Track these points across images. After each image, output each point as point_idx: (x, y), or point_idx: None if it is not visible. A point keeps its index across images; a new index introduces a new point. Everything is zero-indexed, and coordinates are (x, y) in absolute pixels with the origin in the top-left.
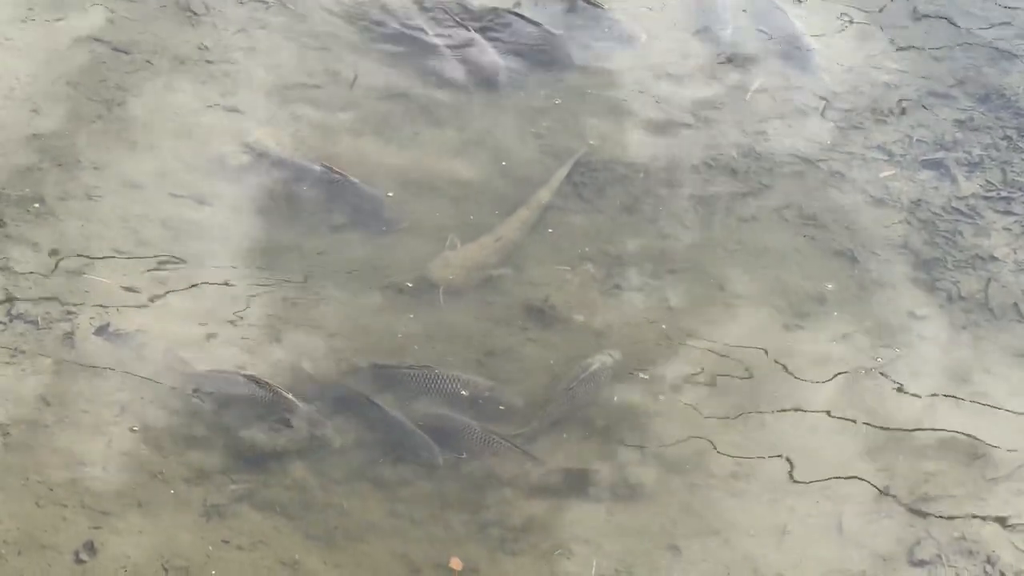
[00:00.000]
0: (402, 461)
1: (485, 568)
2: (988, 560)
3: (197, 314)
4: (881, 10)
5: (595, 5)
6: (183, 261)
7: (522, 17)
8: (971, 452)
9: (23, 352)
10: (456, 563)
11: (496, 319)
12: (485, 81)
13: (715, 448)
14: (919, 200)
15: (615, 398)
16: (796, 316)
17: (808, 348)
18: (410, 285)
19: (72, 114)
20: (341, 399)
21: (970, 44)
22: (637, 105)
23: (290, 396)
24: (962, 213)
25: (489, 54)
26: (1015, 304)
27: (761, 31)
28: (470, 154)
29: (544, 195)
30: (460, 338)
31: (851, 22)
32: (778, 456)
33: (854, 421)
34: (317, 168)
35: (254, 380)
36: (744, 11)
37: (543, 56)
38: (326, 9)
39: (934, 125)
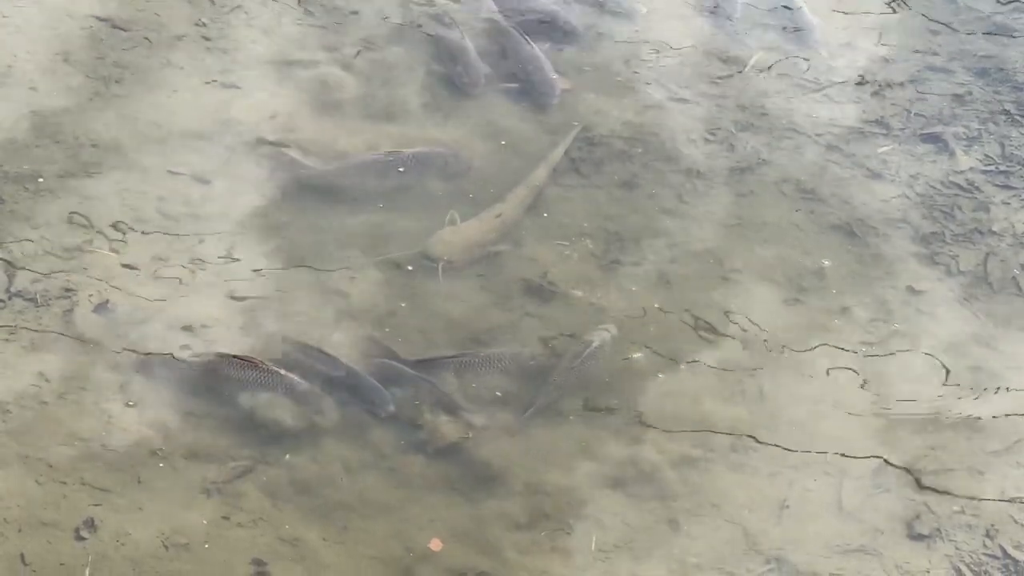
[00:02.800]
0: (357, 410)
1: (486, 547)
2: (987, 534)
3: (194, 291)
4: None
5: None
6: (181, 238)
7: None
8: (971, 426)
9: (22, 329)
10: (436, 544)
11: (495, 295)
12: (537, 98)
13: (714, 423)
14: (917, 174)
15: (615, 374)
16: (795, 291)
17: (807, 322)
18: (410, 268)
19: (70, 91)
20: (303, 358)
21: (968, 18)
22: (636, 80)
23: (285, 372)
24: (960, 187)
25: (547, 73)
26: (1014, 278)
27: (765, 6)
28: (469, 130)
29: (543, 172)
30: (459, 314)
31: None
32: (777, 430)
33: (854, 394)
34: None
35: (248, 361)
36: None
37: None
38: None
39: (932, 99)
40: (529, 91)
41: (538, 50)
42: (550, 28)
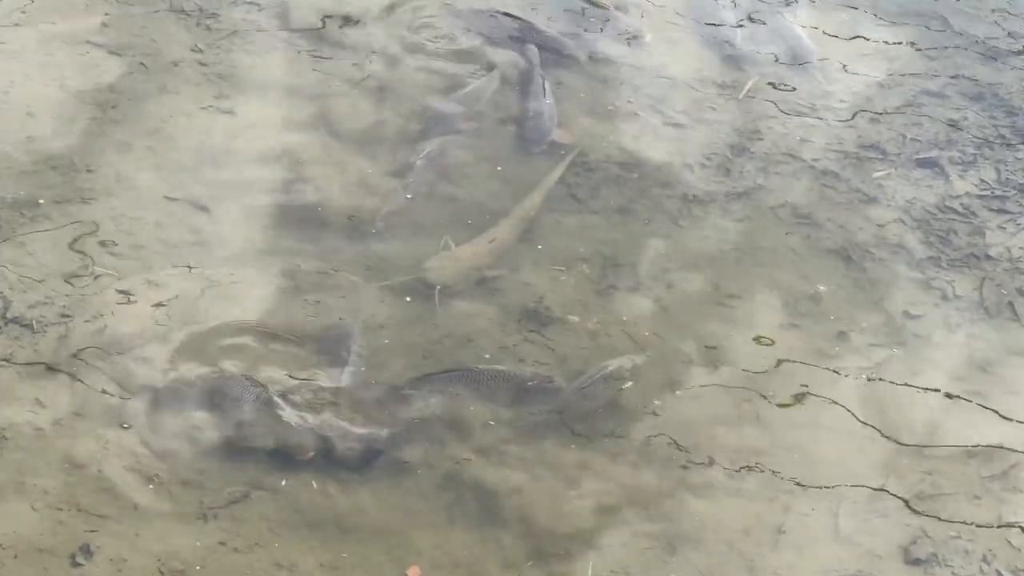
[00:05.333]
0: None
1: (481, 573)
2: (984, 559)
3: (191, 317)
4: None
5: (598, 6)
6: (179, 264)
7: (511, 15)
8: (967, 450)
9: (18, 355)
10: (415, 572)
11: (491, 320)
12: (525, 144)
13: (711, 447)
14: (913, 199)
15: (610, 401)
16: (791, 315)
17: (804, 348)
18: (408, 300)
19: (66, 117)
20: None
21: (963, 43)
22: (632, 105)
23: (280, 401)
24: (956, 212)
25: (545, 120)
26: (1010, 303)
27: (762, 32)
28: (466, 155)
29: (538, 197)
30: (456, 339)
31: (848, 24)
32: (774, 455)
33: (850, 420)
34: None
35: (251, 381)
36: (743, 10)
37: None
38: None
39: (928, 124)
40: (521, 133)
41: (548, 97)
42: (552, 53)
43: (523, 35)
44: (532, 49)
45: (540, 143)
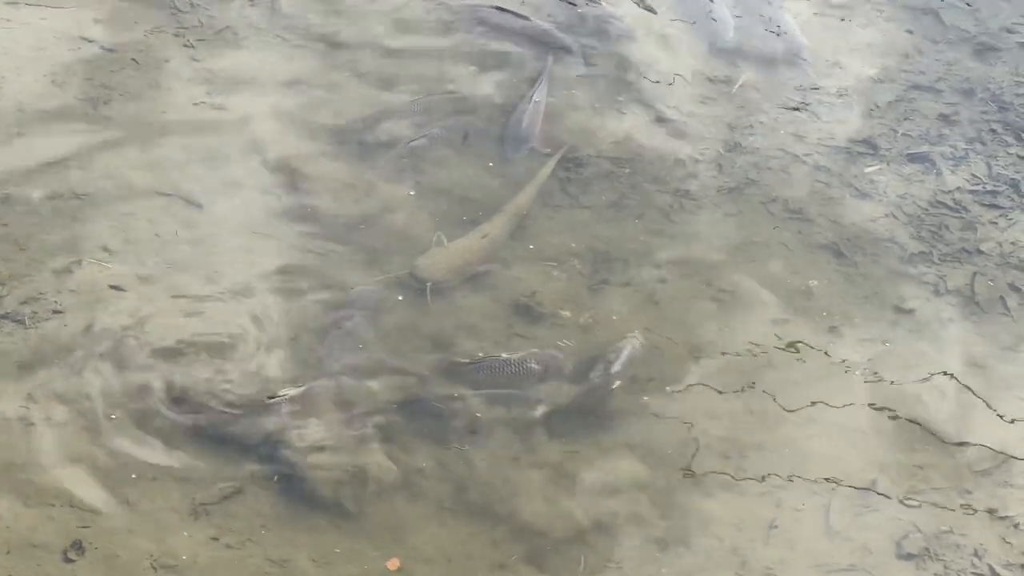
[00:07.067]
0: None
1: (472, 569)
2: (975, 553)
3: (182, 314)
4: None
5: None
6: (171, 260)
7: (508, 11)
8: (959, 445)
9: (10, 351)
10: (393, 563)
11: (483, 315)
12: (502, 149)
13: (703, 443)
14: (905, 194)
15: (601, 397)
16: (783, 311)
17: (796, 342)
18: (400, 298)
19: (57, 112)
20: None
21: (955, 37)
22: (624, 99)
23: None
24: (948, 207)
25: (525, 124)
26: (1001, 297)
27: (754, 26)
28: (458, 151)
29: (530, 191)
30: (447, 334)
31: (840, 19)
32: (766, 449)
33: (842, 415)
34: None
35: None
36: (736, 4)
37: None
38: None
39: (919, 119)
40: (502, 138)
41: (534, 106)
42: (546, 47)
43: (520, 29)
44: (548, 58)
45: (518, 149)
